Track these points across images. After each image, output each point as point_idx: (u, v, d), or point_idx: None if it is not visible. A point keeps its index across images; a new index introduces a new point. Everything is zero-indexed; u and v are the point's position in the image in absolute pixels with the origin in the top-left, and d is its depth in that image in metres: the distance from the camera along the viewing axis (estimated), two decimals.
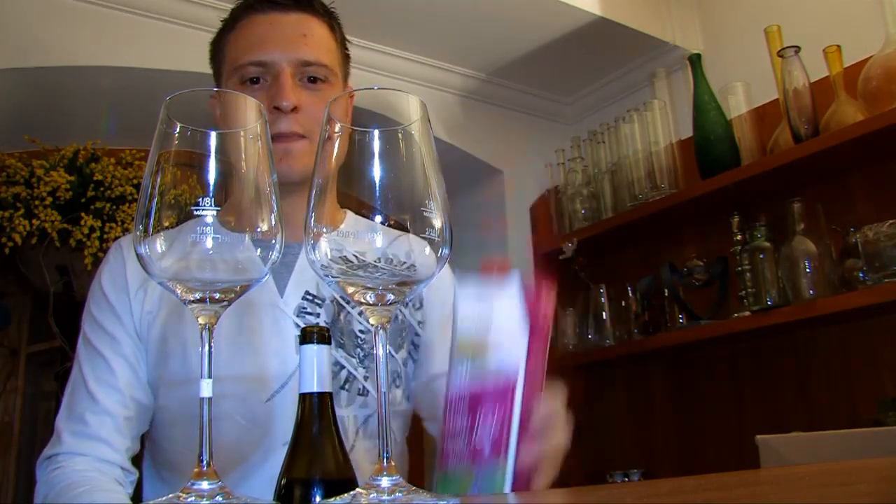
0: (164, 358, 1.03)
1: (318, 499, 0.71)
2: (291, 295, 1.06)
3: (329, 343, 0.75)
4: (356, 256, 0.94)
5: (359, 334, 1.07)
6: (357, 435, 1.04)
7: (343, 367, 1.05)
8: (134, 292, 1.05)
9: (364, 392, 1.05)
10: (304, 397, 0.75)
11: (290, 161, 1.03)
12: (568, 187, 2.64)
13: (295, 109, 1.02)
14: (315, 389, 0.74)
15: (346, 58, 1.15)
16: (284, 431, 1.00)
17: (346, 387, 1.04)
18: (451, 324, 1.18)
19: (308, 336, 0.74)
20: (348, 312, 1.08)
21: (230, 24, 1.10)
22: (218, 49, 1.13)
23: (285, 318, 1.05)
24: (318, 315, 1.06)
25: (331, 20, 1.12)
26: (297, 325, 1.04)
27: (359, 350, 1.06)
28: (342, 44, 1.14)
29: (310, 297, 1.07)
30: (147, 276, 1.10)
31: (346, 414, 1.04)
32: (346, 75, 1.15)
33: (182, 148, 0.55)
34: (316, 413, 0.74)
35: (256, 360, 1.02)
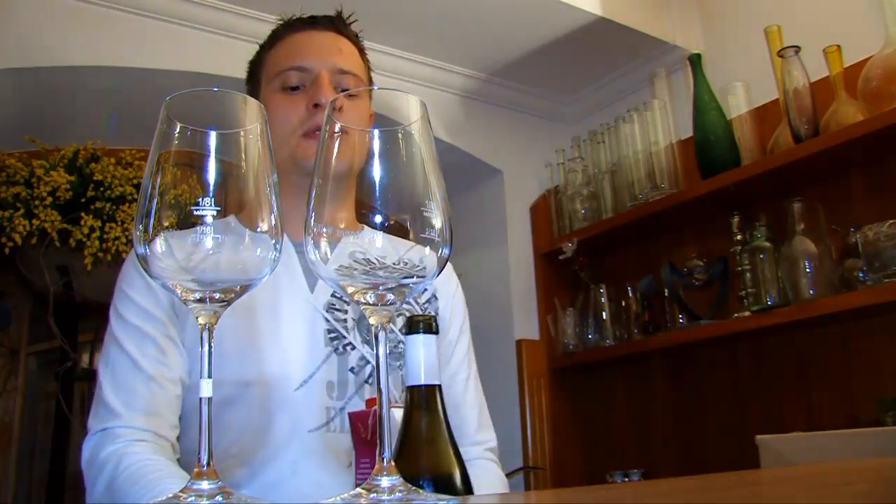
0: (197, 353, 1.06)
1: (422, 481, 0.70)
2: (322, 291, 1.11)
3: (437, 333, 0.72)
4: (378, 259, 0.94)
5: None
6: None
7: (369, 362, 1.10)
8: None
9: None
10: (411, 391, 0.72)
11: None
12: (568, 187, 2.64)
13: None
14: (423, 382, 0.72)
15: (371, 82, 1.25)
16: (311, 419, 1.05)
17: (370, 381, 1.10)
18: (461, 338, 1.22)
19: (414, 326, 0.72)
20: None
21: (269, 44, 1.20)
22: (257, 65, 1.22)
23: (315, 312, 1.10)
24: (345, 311, 1.11)
25: (359, 44, 1.23)
26: (327, 320, 1.10)
27: None
28: (368, 68, 1.25)
29: (339, 295, 1.11)
30: None
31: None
32: (370, 97, 1.23)
33: (182, 148, 0.55)
34: (424, 407, 0.72)
35: (287, 351, 1.07)
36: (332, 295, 1.11)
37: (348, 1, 1.29)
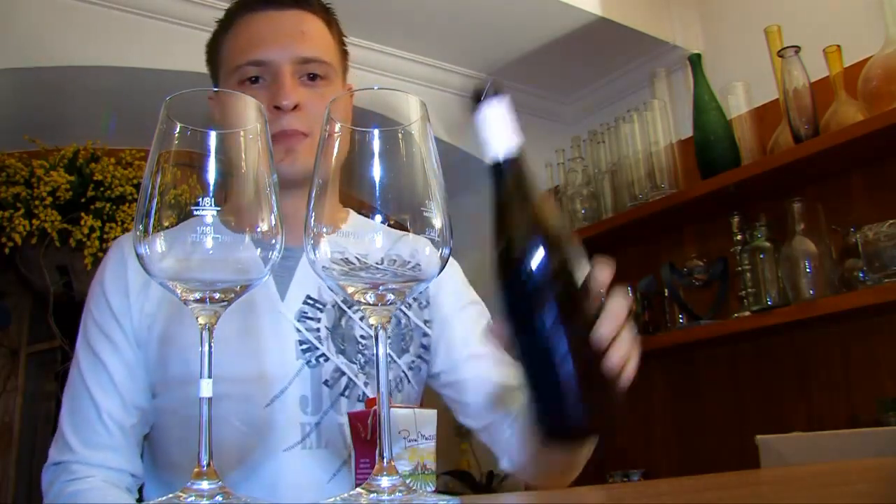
0: (165, 360, 1.03)
1: (535, 261, 0.64)
2: (293, 299, 1.04)
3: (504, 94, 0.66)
4: (358, 259, 0.94)
5: (360, 340, 1.06)
6: None
7: (343, 373, 1.04)
8: (135, 295, 1.04)
9: (363, 398, 1.04)
10: (496, 168, 0.67)
11: (293, 158, 1.02)
12: (568, 187, 2.64)
13: (296, 107, 1.01)
14: (504, 153, 0.67)
15: (344, 53, 1.13)
16: (283, 437, 0.99)
17: (346, 393, 1.03)
18: (463, 309, 1.15)
19: (477, 93, 0.66)
20: (350, 317, 1.06)
21: (226, 25, 1.09)
22: (214, 51, 1.12)
23: (286, 321, 1.03)
24: (318, 320, 1.05)
25: (328, 16, 1.11)
26: (298, 330, 1.03)
27: (360, 356, 1.05)
28: (340, 40, 1.12)
29: (311, 302, 1.05)
30: (148, 278, 1.11)
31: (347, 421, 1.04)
32: (344, 71, 1.13)
33: (182, 148, 0.55)
34: (513, 176, 0.67)
35: (256, 364, 1.01)
36: (305, 302, 1.05)
37: (348, 1, 1.28)
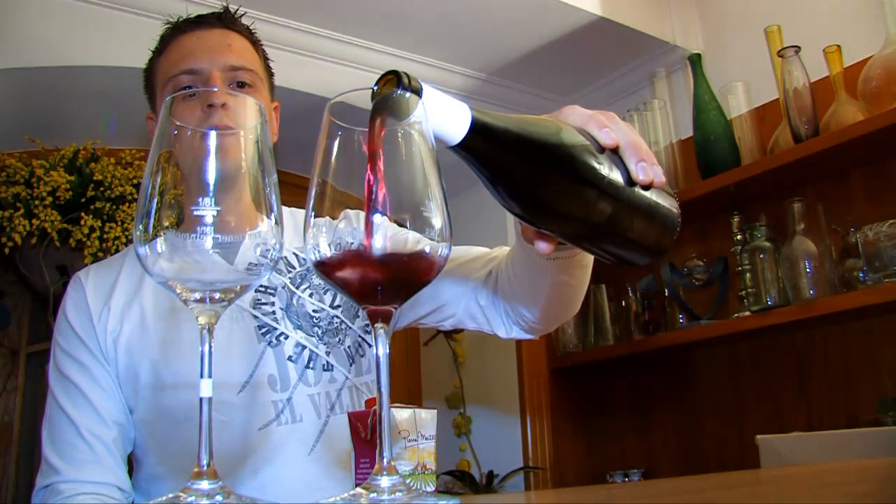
0: (134, 371, 1.07)
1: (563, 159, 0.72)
2: None
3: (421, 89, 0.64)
4: (296, 255, 0.91)
5: (313, 314, 1.12)
6: (332, 411, 1.09)
7: (305, 347, 1.09)
8: (97, 317, 1.09)
9: (329, 367, 1.10)
10: (465, 144, 0.66)
11: (222, 153, 1.04)
12: None
13: (224, 106, 1.05)
14: (467, 124, 0.67)
15: (270, 74, 1.21)
16: (258, 418, 1.05)
17: (311, 365, 1.09)
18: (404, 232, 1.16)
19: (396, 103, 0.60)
20: (299, 296, 1.13)
21: (159, 49, 1.18)
22: (150, 73, 1.19)
23: (242, 311, 1.09)
24: (272, 303, 1.10)
25: (252, 37, 1.20)
26: (255, 317, 1.09)
27: (316, 329, 1.11)
28: (265, 59, 1.21)
29: (262, 289, 1.11)
30: (106, 298, 1.12)
31: (318, 392, 1.08)
32: (271, 88, 1.21)
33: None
34: (488, 127, 0.69)
35: (222, 357, 1.05)
36: (257, 290, 1.10)
37: (349, 1, 1.28)
